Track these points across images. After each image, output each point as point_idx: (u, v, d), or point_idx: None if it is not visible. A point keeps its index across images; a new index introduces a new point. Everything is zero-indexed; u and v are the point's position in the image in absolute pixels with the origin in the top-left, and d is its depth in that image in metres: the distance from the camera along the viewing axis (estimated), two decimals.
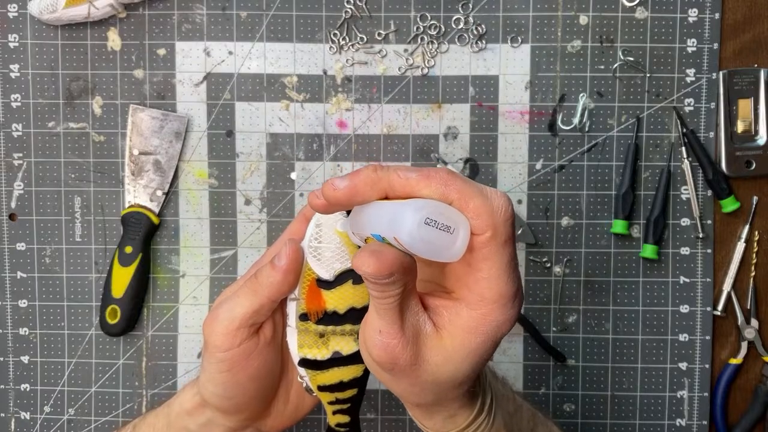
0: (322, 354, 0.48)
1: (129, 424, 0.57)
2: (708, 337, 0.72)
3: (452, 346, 0.41)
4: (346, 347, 0.48)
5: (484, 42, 0.71)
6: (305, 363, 0.49)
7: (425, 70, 0.71)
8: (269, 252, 0.51)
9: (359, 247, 0.46)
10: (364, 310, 0.47)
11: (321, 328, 0.48)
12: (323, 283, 0.47)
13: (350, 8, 0.71)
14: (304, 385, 0.51)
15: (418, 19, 0.71)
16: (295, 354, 0.49)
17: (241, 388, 0.49)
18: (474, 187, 0.39)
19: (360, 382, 0.50)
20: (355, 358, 0.49)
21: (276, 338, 0.49)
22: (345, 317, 0.48)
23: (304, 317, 0.48)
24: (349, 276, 0.47)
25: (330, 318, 0.48)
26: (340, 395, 0.50)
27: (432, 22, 0.71)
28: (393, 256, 0.38)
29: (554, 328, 0.72)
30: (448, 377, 0.42)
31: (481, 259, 0.39)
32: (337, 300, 0.47)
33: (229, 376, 0.48)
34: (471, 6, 0.71)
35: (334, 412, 0.52)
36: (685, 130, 0.71)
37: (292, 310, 0.49)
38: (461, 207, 0.38)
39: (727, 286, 0.72)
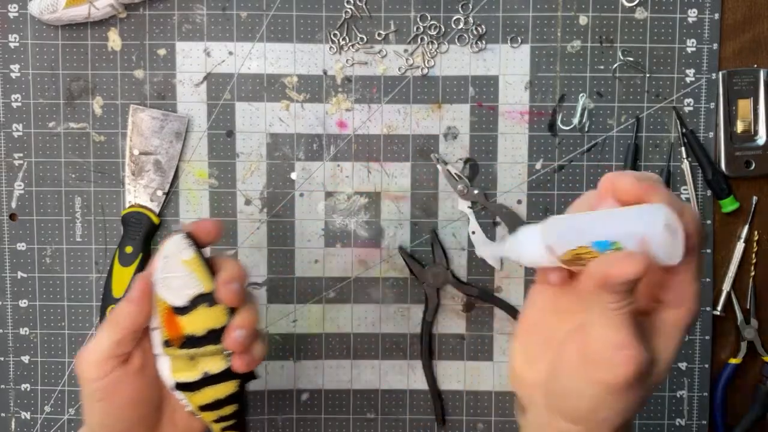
0: (192, 375, 0.51)
1: None
2: (708, 337, 0.72)
3: (665, 345, 0.44)
4: (214, 367, 0.51)
5: (484, 42, 0.71)
6: (180, 386, 0.52)
7: (425, 71, 0.71)
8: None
9: (207, 268, 0.50)
10: (222, 329, 0.50)
11: (184, 351, 0.51)
12: (178, 310, 0.50)
13: (350, 8, 0.71)
14: (188, 408, 0.54)
15: (418, 19, 0.71)
16: (168, 379, 0.52)
17: (119, 415, 0.52)
18: (675, 195, 0.44)
19: (236, 397, 0.53)
20: (225, 375, 0.52)
21: (146, 366, 0.53)
22: (205, 338, 0.51)
23: (167, 344, 0.51)
24: (202, 300, 0.50)
25: (191, 341, 0.51)
26: (221, 413, 0.53)
27: (432, 22, 0.71)
28: (648, 258, 0.40)
29: None
30: (662, 379, 0.45)
31: (686, 262, 0.42)
32: (194, 324, 0.50)
33: (105, 405, 0.52)
34: (471, 6, 0.71)
35: (223, 429, 0.55)
36: (684, 130, 0.71)
37: (157, 338, 0.52)
38: (679, 214, 0.41)
39: (726, 285, 0.72)
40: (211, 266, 0.52)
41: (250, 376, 0.54)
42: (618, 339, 0.42)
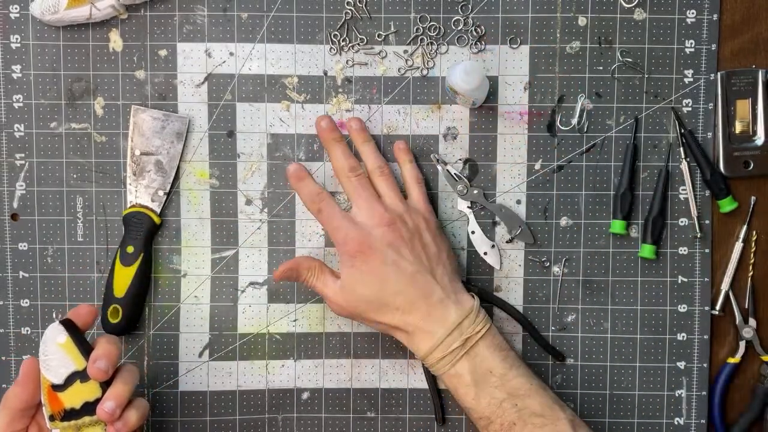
0: None
1: None
2: (706, 337, 0.72)
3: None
4: None
5: (483, 43, 0.71)
6: None
7: (425, 71, 0.72)
8: None
9: (81, 349, 0.59)
10: (97, 401, 0.58)
11: (67, 424, 0.59)
12: (56, 387, 0.59)
13: (350, 9, 0.71)
14: None
15: (418, 20, 0.71)
16: None
17: None
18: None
19: None
20: None
21: None
22: (82, 411, 0.59)
23: (51, 418, 0.59)
24: (76, 377, 0.59)
25: (70, 414, 0.59)
26: None
27: (432, 23, 0.71)
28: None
29: (553, 328, 0.73)
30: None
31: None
32: (71, 398, 0.59)
33: None
34: (470, 7, 0.71)
35: None
36: (683, 130, 0.71)
37: (45, 413, 0.59)
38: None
39: (725, 285, 0.72)
40: (87, 347, 0.59)
41: None
42: (326, 302, 0.69)
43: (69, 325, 0.59)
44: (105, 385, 0.59)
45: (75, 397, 0.59)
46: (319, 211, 0.67)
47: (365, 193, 0.67)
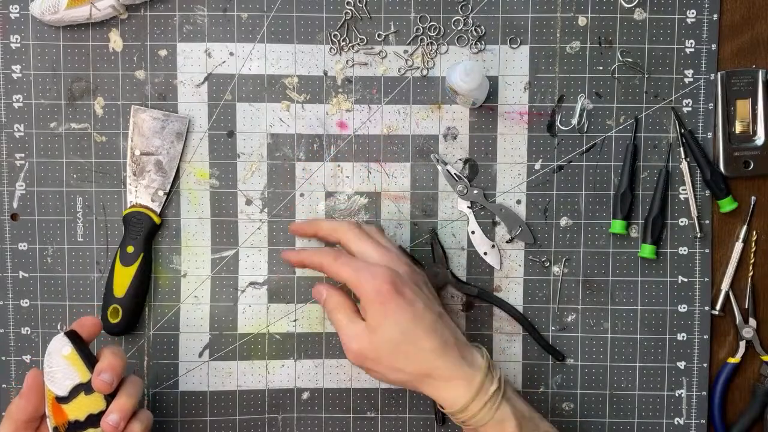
0: None
1: None
2: (706, 337, 0.72)
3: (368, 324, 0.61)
4: None
5: (483, 43, 0.71)
6: None
7: (425, 71, 0.72)
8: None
9: (85, 361, 0.59)
10: (101, 413, 0.59)
11: None
12: (61, 399, 0.59)
13: (350, 9, 0.71)
14: None
15: (418, 20, 0.71)
16: None
17: None
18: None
19: None
20: None
21: None
22: (86, 423, 0.59)
23: (56, 430, 0.59)
24: (81, 389, 0.59)
25: (74, 426, 0.59)
26: None
27: (432, 23, 0.71)
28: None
29: (553, 327, 0.73)
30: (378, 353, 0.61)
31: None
32: (75, 410, 0.59)
33: None
34: (470, 7, 0.71)
35: None
36: (683, 130, 0.71)
37: (49, 425, 0.59)
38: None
39: (725, 285, 0.72)
40: (92, 359, 0.60)
41: None
42: (340, 336, 0.62)
43: (73, 337, 0.60)
44: (109, 397, 0.59)
45: (79, 409, 0.59)
46: (335, 258, 0.62)
47: (368, 238, 0.64)
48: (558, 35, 0.71)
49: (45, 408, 0.59)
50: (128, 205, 0.71)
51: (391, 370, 0.60)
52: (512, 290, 0.73)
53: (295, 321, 0.73)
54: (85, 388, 0.59)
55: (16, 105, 0.71)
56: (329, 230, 0.66)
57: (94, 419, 0.59)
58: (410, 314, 0.59)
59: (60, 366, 0.59)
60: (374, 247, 0.63)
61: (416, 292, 0.61)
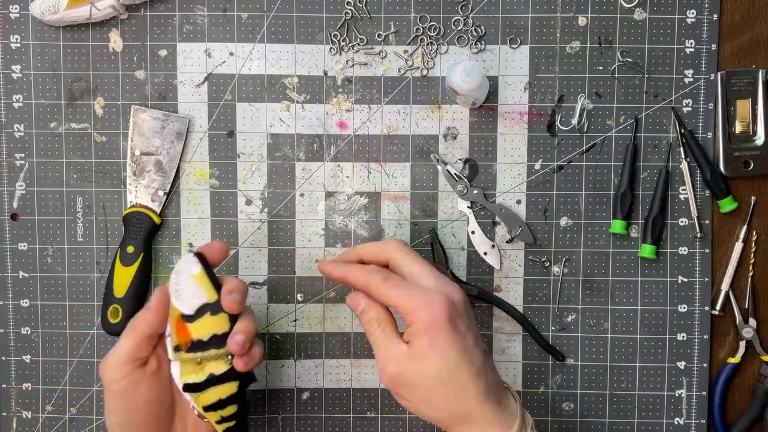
0: (199, 377, 0.59)
1: None
2: (706, 337, 0.72)
3: (415, 353, 0.57)
4: (217, 369, 0.59)
5: (483, 43, 0.71)
6: (187, 387, 0.59)
7: (425, 71, 0.72)
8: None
9: (212, 282, 0.59)
10: (225, 335, 0.58)
11: (192, 355, 0.58)
12: (186, 317, 0.58)
13: (350, 9, 0.71)
14: (196, 412, 0.60)
15: (418, 20, 0.71)
16: (178, 382, 0.59)
17: (136, 414, 0.59)
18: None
19: (237, 398, 0.60)
20: (227, 377, 0.59)
21: (161, 370, 0.60)
22: (209, 343, 0.58)
23: (177, 348, 0.59)
24: (207, 309, 0.58)
25: (197, 345, 0.58)
26: (223, 413, 0.60)
27: (432, 23, 0.71)
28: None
29: (553, 327, 0.73)
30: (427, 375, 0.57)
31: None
32: (200, 329, 0.58)
33: (125, 404, 0.59)
34: (470, 7, 0.71)
35: (225, 430, 0.62)
36: (683, 130, 0.71)
37: (169, 344, 0.59)
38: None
39: (725, 285, 0.72)
40: (217, 282, 0.59)
41: (250, 378, 0.62)
42: (376, 354, 0.58)
43: (201, 258, 0.60)
44: (232, 320, 0.59)
45: (204, 328, 0.58)
46: (385, 279, 0.58)
47: (421, 260, 0.60)
48: (558, 35, 0.71)
49: (168, 326, 0.59)
50: (128, 205, 0.71)
51: (425, 404, 0.56)
52: (512, 290, 0.73)
53: (295, 321, 0.73)
54: (212, 308, 0.58)
55: (16, 105, 0.71)
56: (375, 251, 0.62)
57: (218, 340, 0.58)
58: (461, 352, 0.55)
59: (188, 284, 0.59)
60: (429, 270, 0.59)
61: (468, 325, 0.57)
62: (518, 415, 0.56)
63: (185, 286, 0.59)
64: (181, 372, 0.59)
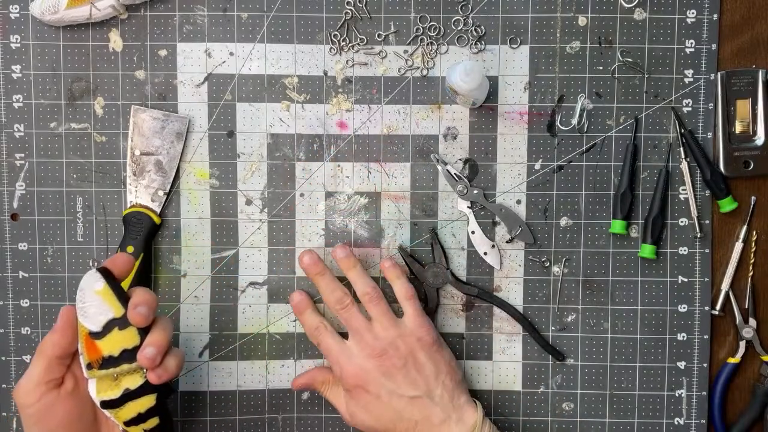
0: (115, 393, 0.58)
1: None
2: (706, 337, 0.72)
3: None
4: (132, 383, 0.58)
5: (483, 43, 0.71)
6: (105, 404, 0.58)
7: (425, 71, 0.72)
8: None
9: (118, 297, 0.58)
10: (136, 348, 0.58)
11: (104, 372, 0.58)
12: (94, 335, 0.58)
13: (350, 9, 0.71)
14: (120, 428, 0.60)
15: (418, 20, 0.71)
16: (96, 399, 0.58)
17: None
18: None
19: (156, 410, 0.60)
20: (143, 390, 0.59)
21: (78, 389, 0.59)
22: (120, 358, 0.58)
23: (89, 366, 0.58)
24: (114, 324, 0.58)
25: (109, 361, 0.58)
26: (145, 426, 0.60)
27: (432, 23, 0.71)
28: None
29: (553, 327, 0.73)
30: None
31: None
32: (110, 345, 0.58)
33: (41, 427, 0.58)
34: (470, 7, 0.71)
35: None
36: (683, 130, 0.71)
37: (82, 362, 0.58)
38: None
39: (725, 285, 0.72)
40: (124, 295, 0.59)
41: (167, 390, 0.62)
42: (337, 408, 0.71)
43: (106, 273, 0.59)
44: (143, 333, 0.59)
45: (113, 344, 0.58)
46: (318, 344, 0.69)
47: (355, 323, 0.68)
48: (558, 35, 0.71)
49: (78, 344, 0.59)
50: (128, 205, 0.71)
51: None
52: (512, 290, 0.73)
53: (295, 321, 0.73)
54: (119, 323, 0.58)
55: (16, 105, 0.71)
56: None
57: (129, 354, 0.58)
58: (376, 408, 0.66)
59: (93, 301, 0.58)
60: (356, 335, 0.68)
61: (382, 385, 0.66)
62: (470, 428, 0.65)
63: (90, 302, 0.58)
64: (97, 389, 0.58)
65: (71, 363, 0.60)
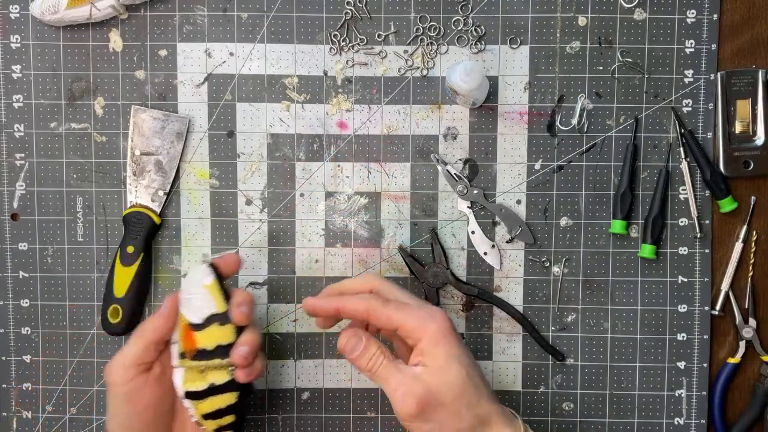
0: (200, 386, 0.60)
1: None
2: (706, 337, 0.72)
3: (433, 374, 0.57)
4: (219, 378, 0.60)
5: (483, 43, 0.71)
6: (189, 395, 0.60)
7: (425, 71, 0.72)
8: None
9: (223, 294, 0.60)
10: (229, 346, 0.59)
11: (195, 363, 0.59)
12: (194, 326, 0.59)
13: (350, 9, 0.71)
14: (195, 419, 0.61)
15: (418, 20, 0.71)
16: (180, 389, 0.60)
17: (138, 418, 0.60)
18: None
19: (235, 408, 0.61)
20: (227, 387, 0.60)
21: (164, 377, 0.61)
22: (214, 353, 0.59)
23: (182, 355, 0.60)
24: (214, 319, 0.59)
25: (202, 354, 0.59)
26: (222, 422, 0.61)
27: (432, 23, 0.71)
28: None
29: (553, 327, 0.73)
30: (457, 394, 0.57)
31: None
32: (206, 339, 0.59)
33: (129, 408, 0.60)
34: (470, 7, 0.71)
35: None
36: (683, 130, 0.71)
37: (174, 351, 0.60)
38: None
39: (725, 285, 0.72)
40: (227, 293, 0.61)
41: (249, 390, 0.62)
42: (389, 387, 0.56)
43: (215, 269, 0.61)
44: (238, 332, 0.60)
45: (210, 338, 0.59)
46: (385, 302, 0.59)
47: (400, 288, 0.62)
48: (558, 35, 0.71)
49: (175, 333, 0.60)
50: (128, 205, 0.71)
51: (453, 417, 0.55)
52: (512, 290, 0.73)
53: (295, 321, 0.73)
54: (220, 318, 0.60)
55: (16, 105, 0.71)
56: (357, 284, 0.62)
57: (222, 350, 0.59)
58: (470, 356, 0.58)
59: (199, 294, 0.60)
60: (411, 295, 0.61)
61: (461, 340, 0.58)
62: (514, 413, 0.59)
63: (196, 295, 0.60)
64: (183, 379, 0.60)
65: (163, 349, 0.61)
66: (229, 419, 0.62)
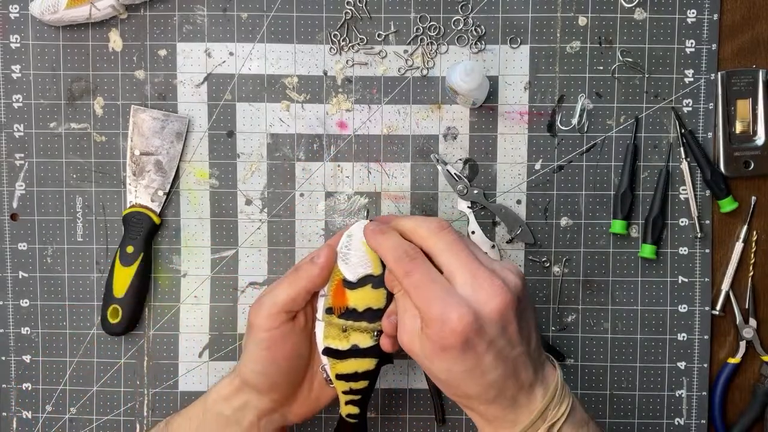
0: (342, 345, 0.58)
1: (161, 422, 0.64)
2: (706, 337, 0.72)
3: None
4: (363, 341, 0.58)
5: (483, 43, 0.71)
6: (328, 352, 0.59)
7: (425, 71, 0.72)
8: (309, 255, 0.60)
9: (380, 259, 0.57)
10: (380, 310, 0.57)
11: (342, 322, 0.57)
12: (348, 284, 0.58)
13: (350, 9, 0.71)
14: (325, 375, 0.60)
15: (418, 20, 0.71)
16: (321, 343, 0.59)
17: (276, 366, 0.58)
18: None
19: (371, 375, 0.60)
20: (370, 351, 0.58)
21: (306, 328, 0.59)
22: (363, 315, 0.58)
23: (329, 311, 0.58)
24: (369, 280, 0.58)
25: (350, 314, 0.58)
26: (354, 385, 0.59)
27: (432, 23, 0.71)
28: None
29: (553, 328, 0.73)
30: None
31: None
32: (358, 299, 0.57)
33: (268, 354, 0.57)
34: (470, 7, 0.71)
35: (347, 402, 0.61)
36: (683, 130, 0.71)
37: (321, 304, 0.59)
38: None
39: (725, 285, 0.72)
40: None
41: (388, 359, 0.61)
42: (433, 309, 0.50)
43: None
44: (389, 299, 0.58)
45: (362, 299, 0.58)
46: (407, 273, 0.53)
47: (467, 256, 0.52)
48: (558, 35, 0.71)
49: (326, 286, 0.59)
50: (128, 205, 0.71)
51: (491, 353, 0.50)
52: None
53: None
54: (375, 281, 0.58)
55: (15, 105, 0.71)
56: (411, 232, 0.56)
57: (371, 314, 0.57)
58: (473, 370, 0.51)
59: (358, 251, 0.58)
60: (467, 271, 0.51)
61: (495, 342, 0.50)
62: (534, 414, 0.52)
63: (356, 252, 0.58)
64: (325, 335, 0.58)
65: (310, 299, 0.59)
66: (361, 384, 0.59)
